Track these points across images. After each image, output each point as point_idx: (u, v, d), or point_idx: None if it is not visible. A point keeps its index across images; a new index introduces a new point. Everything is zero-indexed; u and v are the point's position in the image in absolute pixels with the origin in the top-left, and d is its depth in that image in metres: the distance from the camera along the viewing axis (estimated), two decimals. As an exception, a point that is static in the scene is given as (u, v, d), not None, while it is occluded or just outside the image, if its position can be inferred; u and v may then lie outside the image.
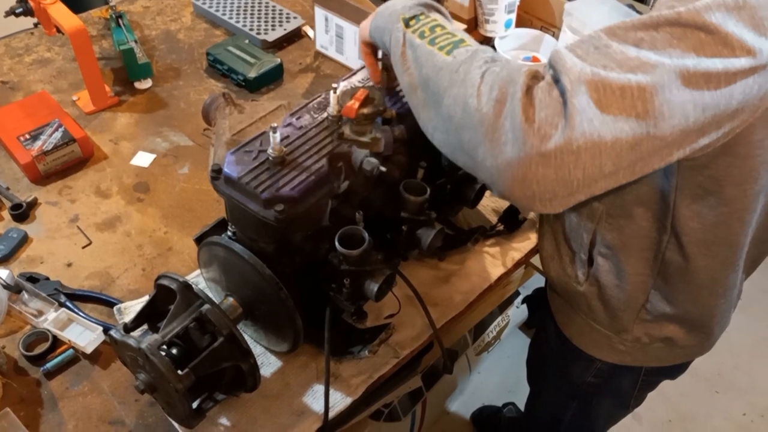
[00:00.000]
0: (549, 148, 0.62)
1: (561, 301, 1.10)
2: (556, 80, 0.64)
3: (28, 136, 1.31)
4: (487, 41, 1.65)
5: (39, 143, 1.29)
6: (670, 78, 0.61)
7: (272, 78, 1.55)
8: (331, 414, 0.96)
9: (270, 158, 0.88)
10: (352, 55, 1.57)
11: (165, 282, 0.90)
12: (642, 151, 0.63)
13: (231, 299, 0.97)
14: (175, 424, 0.94)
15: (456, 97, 0.70)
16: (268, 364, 1.03)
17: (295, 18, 1.72)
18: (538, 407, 1.47)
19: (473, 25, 1.66)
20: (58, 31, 1.39)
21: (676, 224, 0.85)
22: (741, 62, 0.62)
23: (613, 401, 1.20)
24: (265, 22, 1.69)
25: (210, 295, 0.90)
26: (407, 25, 0.82)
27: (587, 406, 1.23)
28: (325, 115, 0.96)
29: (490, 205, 1.28)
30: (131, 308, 1.08)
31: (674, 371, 1.13)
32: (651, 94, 0.61)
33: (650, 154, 0.64)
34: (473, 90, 0.68)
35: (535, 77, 0.66)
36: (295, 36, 1.71)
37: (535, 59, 1.60)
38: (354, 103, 0.90)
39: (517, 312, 2.07)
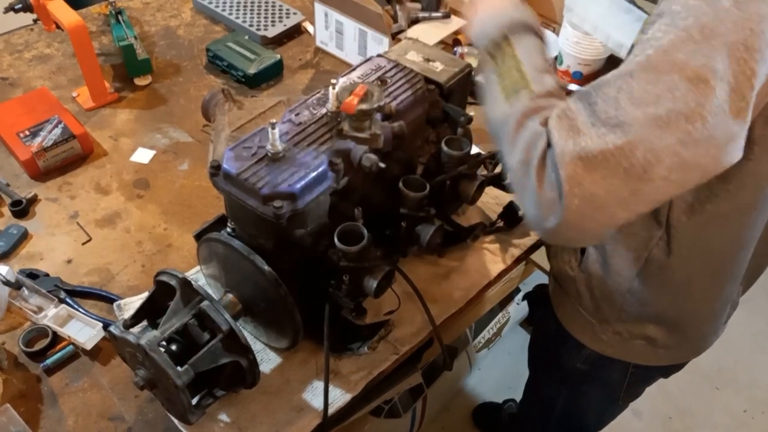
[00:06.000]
0: (553, 221, 0.68)
1: (556, 284, 1.13)
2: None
3: (27, 133, 1.31)
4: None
5: (39, 139, 1.29)
6: (647, 130, 0.63)
7: (272, 74, 1.55)
8: (331, 410, 0.96)
9: (269, 154, 0.88)
10: (351, 51, 1.57)
11: (164, 278, 0.90)
12: (646, 193, 0.66)
13: (230, 295, 0.97)
14: (175, 420, 0.94)
15: (502, 147, 0.77)
16: (267, 360, 1.03)
17: (295, 14, 1.71)
18: (533, 392, 1.50)
19: (473, 21, 1.65)
20: (58, 27, 1.39)
21: (671, 217, 0.86)
22: (719, 91, 0.63)
23: (603, 392, 1.22)
24: (265, 18, 1.69)
25: (209, 291, 0.90)
26: (492, 56, 0.83)
27: (577, 394, 1.25)
28: (324, 111, 0.96)
29: (490, 202, 1.28)
30: (131, 304, 1.08)
31: (667, 370, 1.14)
32: (630, 151, 0.64)
33: (658, 192, 0.67)
34: (509, 147, 0.74)
35: None
36: (295, 32, 1.70)
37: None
38: (353, 99, 0.90)
39: (518, 309, 2.07)
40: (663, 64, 0.63)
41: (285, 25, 1.67)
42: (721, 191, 0.81)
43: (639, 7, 1.46)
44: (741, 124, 0.65)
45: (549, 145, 0.68)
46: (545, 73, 0.80)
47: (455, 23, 1.63)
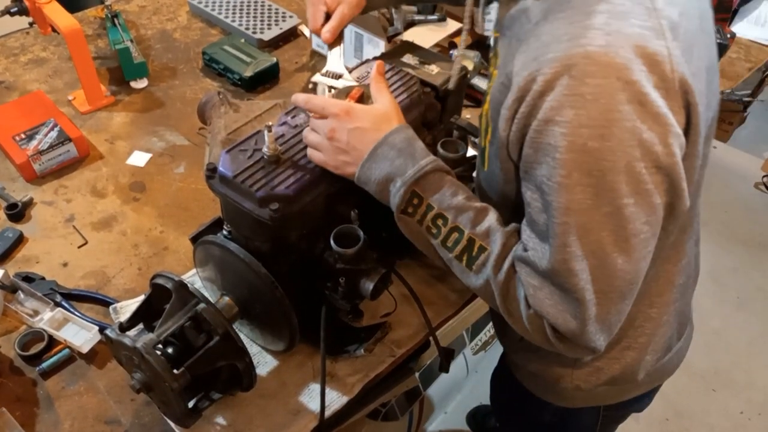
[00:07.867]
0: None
1: (510, 342, 1.10)
2: None
3: (23, 136, 1.31)
4: (484, 40, 1.65)
5: (34, 143, 1.29)
6: None
7: (268, 77, 1.55)
8: (328, 413, 0.96)
9: (265, 157, 0.88)
10: (347, 54, 1.57)
11: (160, 281, 0.90)
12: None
13: (227, 298, 0.97)
14: (171, 424, 0.94)
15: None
16: (264, 363, 1.03)
17: (291, 17, 1.72)
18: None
19: (470, 23, 1.65)
20: (54, 30, 1.39)
21: None
22: None
23: None
24: (261, 21, 1.69)
25: (206, 294, 0.90)
26: (405, 212, 0.84)
27: None
28: (320, 113, 0.96)
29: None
30: (127, 307, 1.08)
31: (639, 403, 1.11)
32: None
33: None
34: (501, 304, 0.81)
35: None
36: (291, 35, 1.71)
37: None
38: (349, 102, 0.90)
39: (515, 311, 2.06)
40: None
41: (281, 28, 1.67)
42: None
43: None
44: None
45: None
46: (468, 202, 0.80)
47: (451, 26, 1.64)
